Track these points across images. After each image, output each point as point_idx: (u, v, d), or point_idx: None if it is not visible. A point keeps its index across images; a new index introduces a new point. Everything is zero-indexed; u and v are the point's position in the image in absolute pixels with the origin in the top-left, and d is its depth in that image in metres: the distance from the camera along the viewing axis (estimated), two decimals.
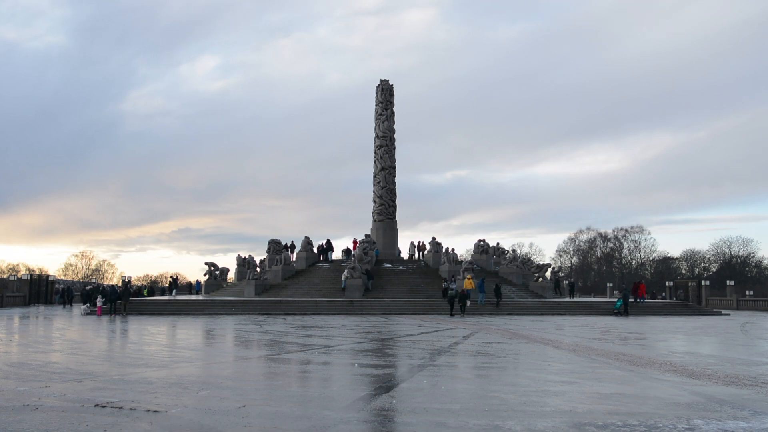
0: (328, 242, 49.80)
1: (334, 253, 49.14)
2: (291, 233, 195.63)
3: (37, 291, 48.61)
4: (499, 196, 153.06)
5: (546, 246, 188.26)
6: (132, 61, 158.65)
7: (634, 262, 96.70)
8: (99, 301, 32.87)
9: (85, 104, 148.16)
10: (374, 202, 49.93)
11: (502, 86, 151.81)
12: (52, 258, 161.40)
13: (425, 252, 48.43)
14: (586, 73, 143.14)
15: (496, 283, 37.69)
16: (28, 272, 59.70)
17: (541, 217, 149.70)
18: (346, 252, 47.91)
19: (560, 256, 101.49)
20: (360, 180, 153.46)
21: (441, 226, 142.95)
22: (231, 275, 52.36)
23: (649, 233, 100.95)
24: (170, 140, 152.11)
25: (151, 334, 20.62)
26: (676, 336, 21.58)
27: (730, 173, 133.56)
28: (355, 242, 47.34)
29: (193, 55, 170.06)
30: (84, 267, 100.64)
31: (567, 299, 43.63)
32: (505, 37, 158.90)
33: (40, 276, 53.06)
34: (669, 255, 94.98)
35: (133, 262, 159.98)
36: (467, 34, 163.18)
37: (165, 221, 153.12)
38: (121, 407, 7.85)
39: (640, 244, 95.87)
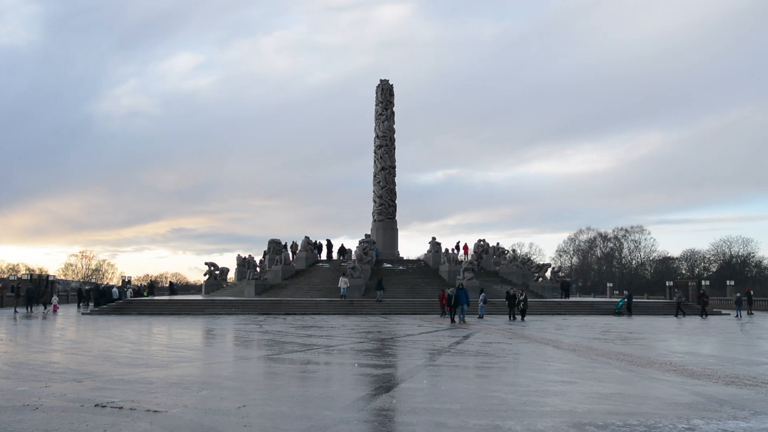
0: (329, 242, 50.06)
1: (322, 254, 49.50)
2: (285, 233, 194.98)
3: (36, 291, 48.59)
4: (492, 195, 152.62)
5: (545, 246, 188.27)
6: (108, 59, 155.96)
7: (634, 262, 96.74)
8: (54, 299, 36.63)
9: (59, 103, 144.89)
10: (374, 202, 49.93)
11: (485, 84, 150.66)
12: (48, 258, 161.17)
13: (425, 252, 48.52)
14: (571, 71, 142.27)
15: (522, 293, 30.32)
16: (28, 272, 59.69)
17: (536, 217, 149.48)
18: (340, 253, 48.20)
19: (560, 256, 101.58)
20: (346, 179, 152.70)
21: (436, 225, 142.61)
22: (231, 275, 52.40)
23: (649, 233, 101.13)
24: (150, 140, 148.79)
25: (151, 334, 20.63)
26: (676, 336, 21.59)
27: (724, 173, 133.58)
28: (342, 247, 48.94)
29: (172, 53, 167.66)
30: (84, 267, 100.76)
31: (567, 299, 43.60)
32: (489, 34, 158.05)
33: (40, 276, 53.05)
34: (669, 255, 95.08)
35: (131, 262, 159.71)
36: (449, 31, 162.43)
37: (155, 221, 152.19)
38: (121, 407, 7.85)
39: (640, 244, 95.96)
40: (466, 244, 50.85)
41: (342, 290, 37.04)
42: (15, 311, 35.02)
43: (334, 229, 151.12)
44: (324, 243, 49.91)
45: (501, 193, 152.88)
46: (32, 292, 36.67)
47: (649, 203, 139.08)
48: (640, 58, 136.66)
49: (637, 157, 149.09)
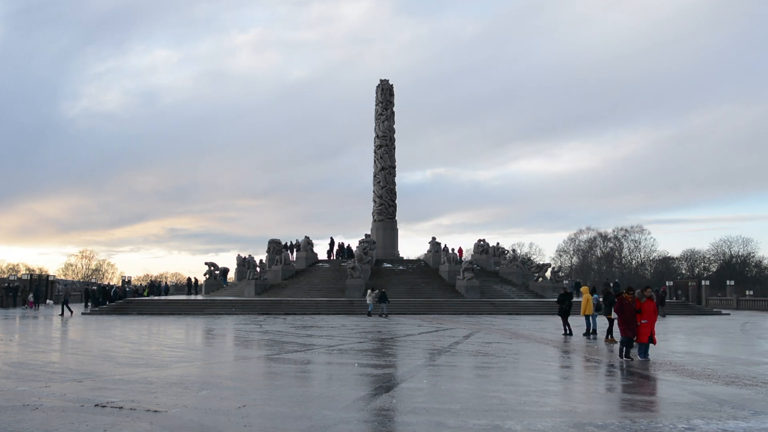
0: (332, 240, 50.32)
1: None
2: (280, 233, 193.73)
3: (36, 290, 48.66)
4: (481, 194, 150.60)
5: (545, 246, 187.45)
6: (75, 56, 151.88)
7: (634, 262, 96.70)
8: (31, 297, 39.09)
9: (24, 102, 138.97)
10: (374, 201, 49.91)
11: (470, 81, 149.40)
12: (44, 258, 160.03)
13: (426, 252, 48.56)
14: (553, 69, 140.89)
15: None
16: (28, 272, 59.72)
17: (526, 216, 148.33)
18: (340, 252, 48.36)
19: (560, 256, 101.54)
20: (336, 178, 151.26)
21: (429, 225, 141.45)
22: (231, 275, 52.41)
23: (649, 233, 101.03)
24: (127, 140, 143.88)
25: (151, 334, 20.63)
26: (676, 336, 21.58)
27: (711, 173, 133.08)
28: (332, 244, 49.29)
29: (146, 49, 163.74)
30: (84, 267, 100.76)
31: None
32: (468, 30, 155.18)
33: (40, 276, 53.06)
34: (669, 255, 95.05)
35: (129, 262, 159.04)
36: (424, 26, 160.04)
37: (142, 222, 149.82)
38: (121, 407, 7.85)
39: (640, 244, 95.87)
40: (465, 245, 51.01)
41: (369, 306, 31.99)
42: (36, 308, 35.59)
43: (326, 229, 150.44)
44: (328, 241, 50.40)
45: (489, 192, 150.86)
46: (38, 292, 38.62)
47: (640, 202, 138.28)
48: (626, 56, 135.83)
49: (623, 155, 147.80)
